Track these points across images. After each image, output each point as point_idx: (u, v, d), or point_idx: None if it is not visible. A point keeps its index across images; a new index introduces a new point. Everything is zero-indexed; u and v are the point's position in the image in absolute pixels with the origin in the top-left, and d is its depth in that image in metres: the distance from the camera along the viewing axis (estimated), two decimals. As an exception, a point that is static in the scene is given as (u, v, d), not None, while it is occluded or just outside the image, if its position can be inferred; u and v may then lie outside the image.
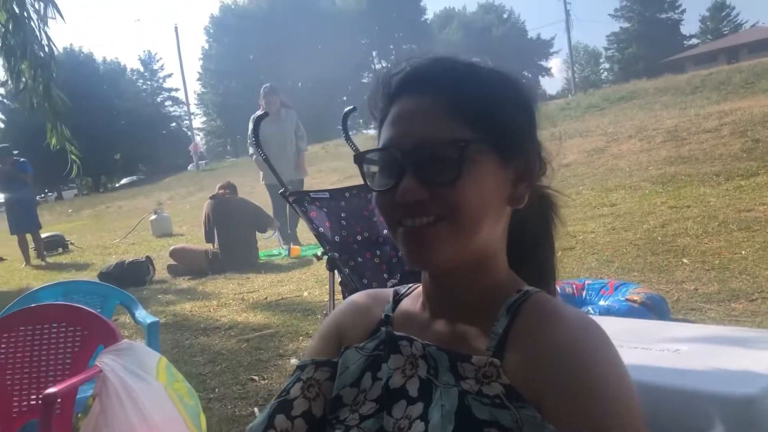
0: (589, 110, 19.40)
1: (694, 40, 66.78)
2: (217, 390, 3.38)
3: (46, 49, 5.69)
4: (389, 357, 0.92)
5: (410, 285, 1.07)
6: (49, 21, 5.67)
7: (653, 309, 3.18)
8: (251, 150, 8.25)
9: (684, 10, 66.67)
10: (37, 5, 5.59)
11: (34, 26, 5.55)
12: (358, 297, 1.08)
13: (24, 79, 5.58)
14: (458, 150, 0.80)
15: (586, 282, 3.73)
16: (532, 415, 0.75)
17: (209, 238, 7.53)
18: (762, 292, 3.78)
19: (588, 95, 24.64)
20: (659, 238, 5.65)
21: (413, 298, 1.00)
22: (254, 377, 3.50)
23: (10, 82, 5.64)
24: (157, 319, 2.65)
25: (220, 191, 7.70)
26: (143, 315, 2.72)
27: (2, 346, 2.09)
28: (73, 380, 1.83)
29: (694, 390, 1.01)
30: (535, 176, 0.89)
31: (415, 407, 0.85)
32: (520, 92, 0.89)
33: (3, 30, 5.37)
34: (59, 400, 1.82)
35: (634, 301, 3.24)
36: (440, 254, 0.83)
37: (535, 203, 0.94)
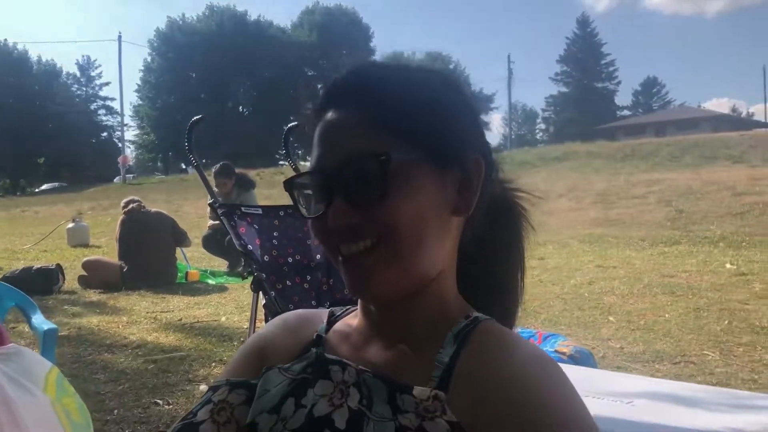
0: (523, 166, 19.88)
1: (626, 112, 70.25)
2: (115, 412, 3.10)
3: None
4: (317, 382, 0.80)
5: (348, 307, 0.96)
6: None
7: (581, 363, 3.10)
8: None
9: (619, 82, 70.42)
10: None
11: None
12: (289, 315, 0.97)
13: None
14: (380, 164, 0.71)
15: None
16: None
17: (122, 255, 7.12)
18: (684, 356, 3.80)
19: (523, 152, 25.36)
20: (586, 294, 5.69)
21: (351, 319, 0.90)
22: (158, 401, 3.24)
23: None
24: (55, 326, 2.39)
25: (134, 205, 7.32)
26: (40, 320, 2.45)
27: None
28: (-57, 385, 1.58)
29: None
30: (479, 180, 0.79)
31: None
32: (452, 91, 0.81)
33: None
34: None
35: (563, 354, 3.17)
36: (382, 282, 0.75)
37: (492, 210, 0.85)
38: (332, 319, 0.92)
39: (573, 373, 1.53)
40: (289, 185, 0.82)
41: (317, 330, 0.89)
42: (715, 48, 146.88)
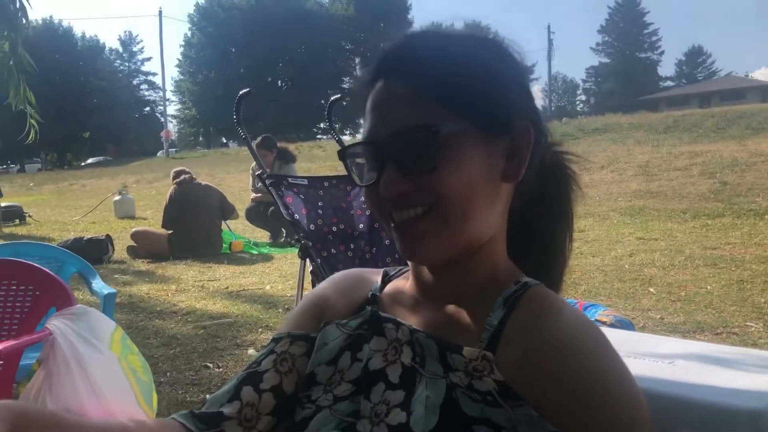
0: (563, 138, 19.41)
1: (669, 83, 68.36)
2: (168, 374, 3.25)
3: (17, 3, 5.42)
4: (372, 338, 0.86)
5: (400, 267, 1.01)
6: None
7: (622, 332, 3.14)
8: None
9: (663, 52, 68.49)
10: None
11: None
12: (345, 273, 1.02)
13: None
14: (430, 136, 0.75)
15: (555, 300, 3.69)
16: (528, 414, 0.69)
17: (167, 224, 7.31)
18: (726, 327, 3.79)
19: (563, 124, 24.92)
20: (626, 266, 5.66)
21: (403, 281, 0.95)
22: (208, 364, 3.37)
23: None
24: (114, 290, 2.52)
25: (186, 176, 7.50)
26: (100, 285, 2.58)
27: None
28: (19, 341, 1.70)
29: (700, 401, 0.97)
30: (529, 146, 0.82)
31: (394, 394, 0.79)
32: (499, 57, 0.83)
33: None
34: (1, 361, 1.69)
35: (603, 323, 3.20)
36: (432, 247, 0.79)
37: (542, 174, 0.87)
38: (386, 279, 0.96)
39: (614, 335, 1.58)
40: (343, 154, 0.86)
41: (372, 289, 0.94)
42: (765, 13, 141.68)
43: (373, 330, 0.86)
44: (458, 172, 0.76)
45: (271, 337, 0.96)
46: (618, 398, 0.68)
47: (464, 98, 0.77)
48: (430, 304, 0.86)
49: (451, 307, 0.83)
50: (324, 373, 0.87)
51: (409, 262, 0.89)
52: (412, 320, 0.85)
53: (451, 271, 0.83)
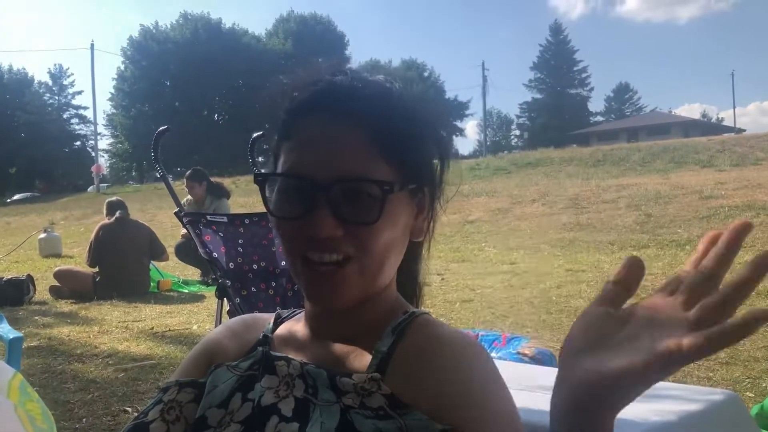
0: (497, 172, 20.09)
1: (600, 118, 71.10)
2: (84, 420, 3.13)
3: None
4: (263, 377, 0.86)
5: (294, 310, 1.02)
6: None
7: (543, 364, 3.20)
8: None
9: (592, 88, 71.28)
10: None
11: None
12: (234, 320, 1.03)
13: None
14: (383, 193, 0.76)
15: (480, 333, 3.76)
16: (418, 419, 0.73)
17: (92, 261, 7.11)
18: (645, 356, 3.90)
19: (497, 158, 25.58)
20: (554, 298, 5.79)
21: (294, 322, 0.96)
22: (127, 409, 3.26)
23: None
24: (20, 334, 2.42)
25: (119, 213, 7.31)
26: (6, 330, 2.48)
27: None
28: None
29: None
30: (433, 209, 0.87)
31: (288, 426, 0.79)
32: (436, 126, 0.88)
33: None
34: None
35: (525, 355, 3.27)
36: (347, 295, 0.80)
37: None
38: (278, 321, 0.97)
39: (519, 369, 1.63)
40: (264, 180, 0.82)
41: (263, 331, 0.94)
42: (687, 54, 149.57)
43: (265, 369, 0.87)
44: (390, 228, 0.78)
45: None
46: (493, 398, 0.74)
47: (413, 161, 0.81)
48: (321, 342, 0.87)
49: (343, 341, 0.86)
50: (214, 416, 0.86)
51: (306, 304, 0.90)
52: (304, 356, 0.86)
53: (350, 313, 0.84)
